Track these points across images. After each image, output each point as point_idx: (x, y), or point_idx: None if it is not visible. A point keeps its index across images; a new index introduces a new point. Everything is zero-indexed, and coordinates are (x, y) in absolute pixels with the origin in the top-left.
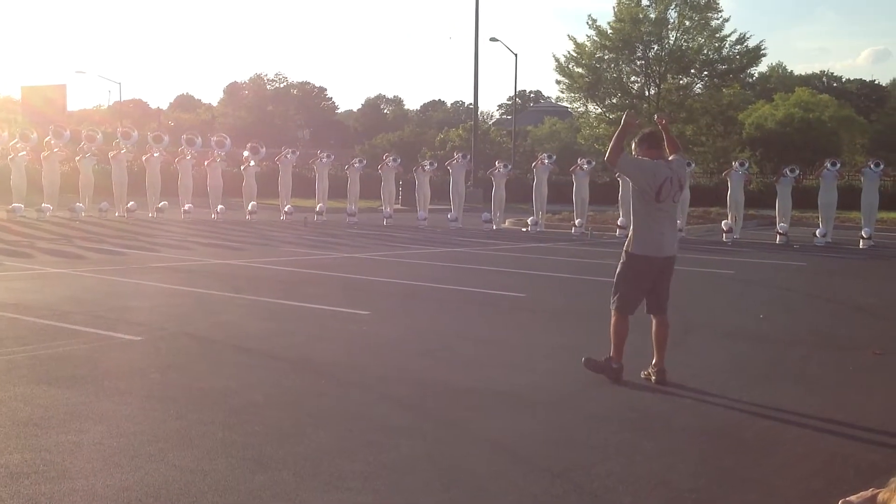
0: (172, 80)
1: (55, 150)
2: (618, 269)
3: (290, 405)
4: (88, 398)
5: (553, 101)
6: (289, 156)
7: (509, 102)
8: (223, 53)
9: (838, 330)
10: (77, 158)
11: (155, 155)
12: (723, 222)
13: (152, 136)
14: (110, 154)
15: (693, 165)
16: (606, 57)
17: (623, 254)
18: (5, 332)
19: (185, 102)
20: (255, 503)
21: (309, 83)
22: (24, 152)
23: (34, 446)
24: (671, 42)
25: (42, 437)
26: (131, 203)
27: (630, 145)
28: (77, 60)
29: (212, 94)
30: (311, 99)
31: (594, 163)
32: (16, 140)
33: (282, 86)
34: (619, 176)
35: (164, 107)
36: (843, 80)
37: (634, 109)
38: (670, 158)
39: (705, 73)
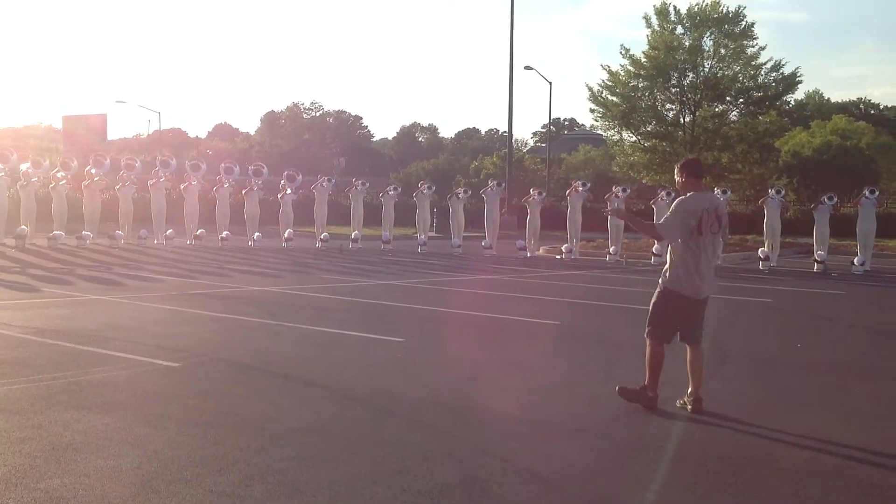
0: (211, 109)
1: (95, 178)
2: (653, 299)
3: (326, 431)
4: (127, 424)
5: (587, 128)
6: (325, 184)
7: (543, 130)
8: (260, 83)
9: (878, 359)
10: (117, 187)
11: (193, 183)
12: (759, 250)
13: (190, 164)
14: (149, 182)
15: (729, 193)
16: (641, 85)
17: (659, 284)
18: (45, 358)
19: (223, 131)
20: None
21: (345, 112)
22: (65, 181)
23: (73, 471)
24: (706, 70)
25: (81, 461)
26: (170, 231)
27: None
28: (117, 90)
29: (249, 123)
30: (347, 127)
31: (629, 190)
32: (57, 169)
33: (318, 114)
34: (654, 203)
35: (203, 136)
36: (881, 107)
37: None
38: (713, 193)
39: (741, 100)
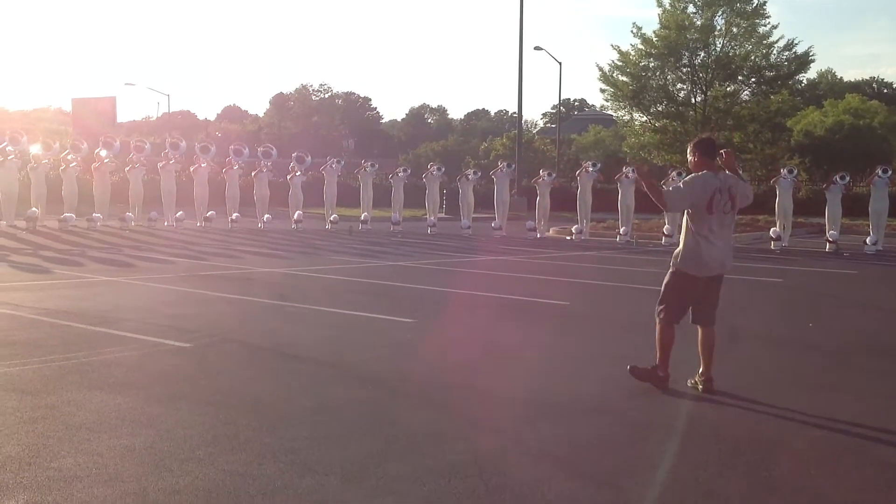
0: (220, 91)
1: (105, 161)
2: (665, 280)
3: (337, 411)
4: (139, 403)
5: (597, 109)
6: (334, 165)
7: (553, 111)
8: (269, 65)
9: (890, 339)
10: (126, 169)
11: (202, 165)
12: (771, 230)
13: (200, 146)
14: (159, 165)
15: (741, 173)
16: (651, 65)
17: (671, 265)
18: (57, 339)
19: (232, 113)
20: None
21: (354, 93)
22: (75, 163)
23: (87, 450)
24: (718, 49)
25: (94, 441)
26: (180, 213)
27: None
28: (127, 73)
29: (258, 105)
30: (356, 109)
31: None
32: (67, 151)
33: (327, 96)
34: (664, 184)
35: (212, 118)
36: (894, 85)
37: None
38: (726, 173)
39: (753, 79)
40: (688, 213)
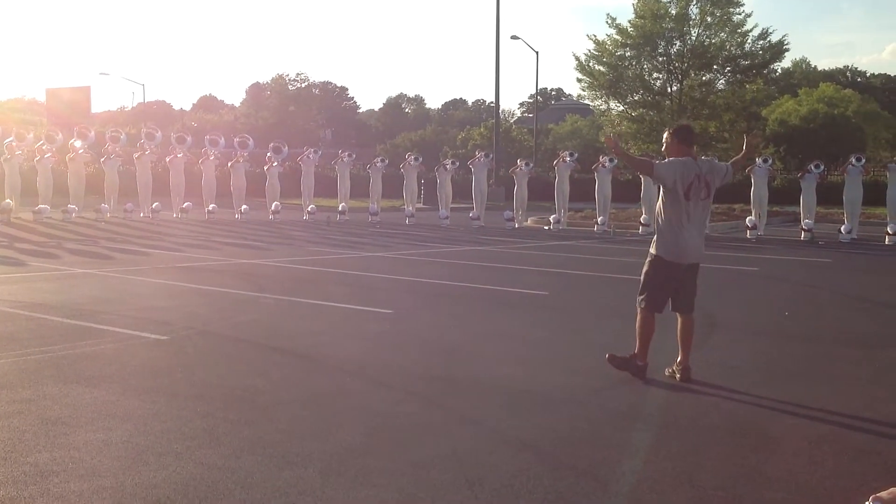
0: (195, 81)
1: (80, 151)
2: (644, 269)
3: (316, 403)
4: (116, 397)
5: (574, 98)
6: (311, 155)
7: (531, 100)
8: (245, 54)
9: (865, 327)
10: (102, 160)
11: (178, 156)
12: (747, 219)
13: (175, 137)
14: (135, 156)
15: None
16: (627, 54)
17: (649, 253)
18: (33, 333)
19: (208, 103)
20: (282, 500)
21: (330, 83)
22: (50, 154)
23: (63, 444)
24: (693, 38)
25: (71, 435)
26: (156, 204)
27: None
28: (101, 62)
29: (234, 95)
30: (333, 99)
31: (616, 160)
32: (41, 142)
33: (303, 86)
34: (642, 175)
35: (188, 108)
36: (868, 74)
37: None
38: (703, 158)
39: (728, 68)
40: (663, 200)
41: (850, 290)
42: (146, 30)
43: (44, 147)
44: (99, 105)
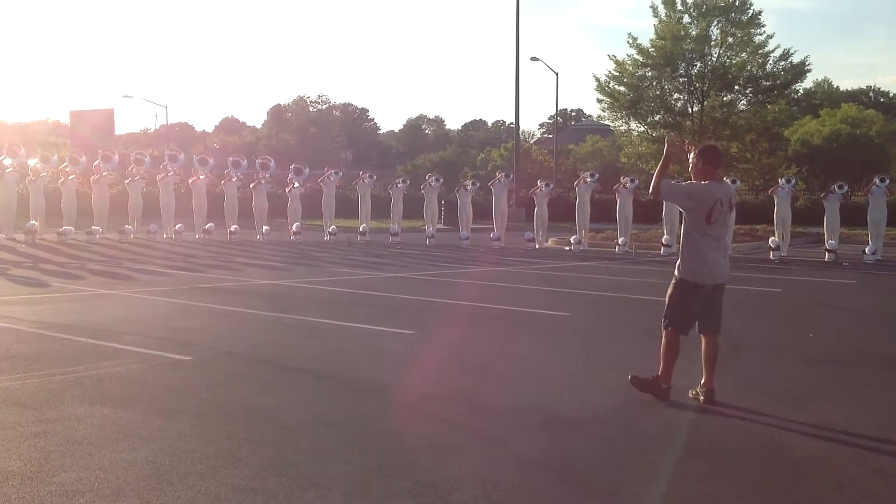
0: (217, 103)
1: (104, 173)
2: (669, 291)
3: (338, 424)
4: (140, 417)
5: (594, 119)
6: (332, 177)
7: (551, 121)
8: (266, 76)
9: (890, 348)
10: (126, 182)
11: (201, 178)
12: (770, 240)
13: (198, 159)
14: (158, 177)
15: (738, 183)
16: (648, 74)
17: (674, 276)
18: (57, 353)
19: (230, 125)
20: None
21: (351, 105)
22: (74, 176)
23: (88, 465)
24: (714, 59)
25: (96, 455)
26: (179, 225)
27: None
28: (124, 85)
29: (256, 117)
30: (354, 120)
31: (637, 181)
32: (65, 164)
33: (324, 108)
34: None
35: (210, 130)
36: (891, 94)
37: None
38: (729, 183)
39: (749, 89)
40: (686, 222)
41: (874, 311)
42: (169, 52)
43: (68, 169)
44: (122, 127)
